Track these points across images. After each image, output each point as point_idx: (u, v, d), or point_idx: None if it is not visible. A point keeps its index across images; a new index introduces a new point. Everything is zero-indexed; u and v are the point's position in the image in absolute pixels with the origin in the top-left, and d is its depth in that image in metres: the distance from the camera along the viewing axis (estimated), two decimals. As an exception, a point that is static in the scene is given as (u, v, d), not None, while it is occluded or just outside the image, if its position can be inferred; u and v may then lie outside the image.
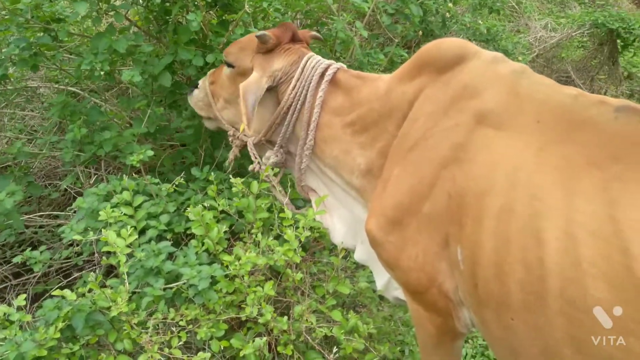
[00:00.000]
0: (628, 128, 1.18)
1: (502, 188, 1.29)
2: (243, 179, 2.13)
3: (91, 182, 2.83)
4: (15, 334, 1.68)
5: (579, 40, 6.48)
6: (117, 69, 2.81)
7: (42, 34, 2.32)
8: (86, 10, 2.13)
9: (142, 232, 2.19)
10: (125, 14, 2.47)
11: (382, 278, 1.87)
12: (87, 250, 2.33)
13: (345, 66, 1.93)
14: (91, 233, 1.97)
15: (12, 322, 1.74)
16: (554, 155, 1.25)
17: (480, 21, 4.50)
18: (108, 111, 2.85)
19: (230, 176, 2.16)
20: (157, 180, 2.38)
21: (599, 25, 5.66)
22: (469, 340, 2.77)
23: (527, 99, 1.37)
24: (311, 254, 2.55)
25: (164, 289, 1.92)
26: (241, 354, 1.84)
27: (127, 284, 1.86)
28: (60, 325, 1.70)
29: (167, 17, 2.52)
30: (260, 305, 1.90)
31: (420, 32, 3.83)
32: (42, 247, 2.19)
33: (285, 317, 1.93)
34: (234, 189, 2.13)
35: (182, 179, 2.33)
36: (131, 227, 1.99)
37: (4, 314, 1.74)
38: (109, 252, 1.89)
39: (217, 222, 2.16)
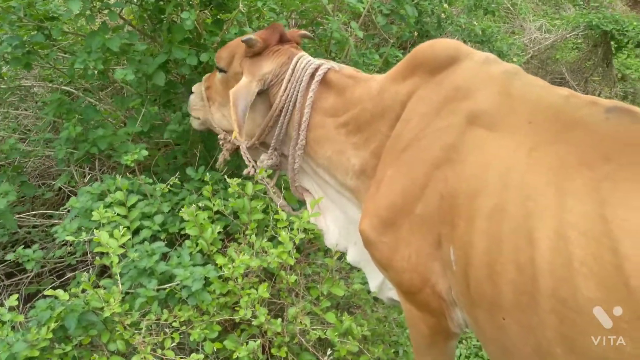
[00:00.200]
0: (619, 128, 1.19)
1: (494, 188, 1.29)
2: (239, 180, 2.12)
3: (85, 181, 2.82)
4: (7, 335, 1.68)
5: (574, 41, 6.51)
6: (111, 67, 2.80)
7: (35, 32, 2.30)
8: (80, 8, 2.11)
9: (136, 232, 2.18)
10: (119, 12, 2.46)
11: (375, 279, 1.88)
12: (81, 250, 2.31)
13: (336, 66, 1.92)
14: (84, 233, 1.96)
15: (4, 323, 1.73)
16: (546, 155, 1.25)
17: (475, 22, 4.51)
18: (103, 110, 2.84)
19: (226, 177, 2.15)
20: (151, 180, 2.37)
21: (593, 27, 5.69)
22: (463, 341, 2.78)
23: (519, 99, 1.38)
24: (305, 256, 2.55)
25: (158, 290, 1.92)
26: (235, 355, 1.84)
27: (120, 284, 1.85)
28: (53, 325, 1.69)
29: (162, 16, 2.52)
30: (254, 307, 1.90)
31: (416, 33, 3.83)
32: (35, 247, 2.18)
33: (279, 319, 1.93)
34: (229, 190, 2.12)
35: (176, 179, 2.32)
36: (124, 227, 1.98)
37: (-4, 314, 1.73)
38: (102, 253, 1.88)
39: (212, 222, 2.15)
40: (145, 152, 2.29)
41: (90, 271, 2.44)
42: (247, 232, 2.11)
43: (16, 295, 1.76)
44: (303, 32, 2.08)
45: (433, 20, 4.04)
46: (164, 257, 2.10)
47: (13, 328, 1.74)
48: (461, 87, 1.47)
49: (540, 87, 1.39)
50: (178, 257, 2.02)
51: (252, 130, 1.97)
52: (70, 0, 2.07)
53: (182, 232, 2.23)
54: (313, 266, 2.40)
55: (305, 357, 2.02)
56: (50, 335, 1.68)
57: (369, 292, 2.29)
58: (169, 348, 1.80)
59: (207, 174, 2.24)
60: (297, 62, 1.88)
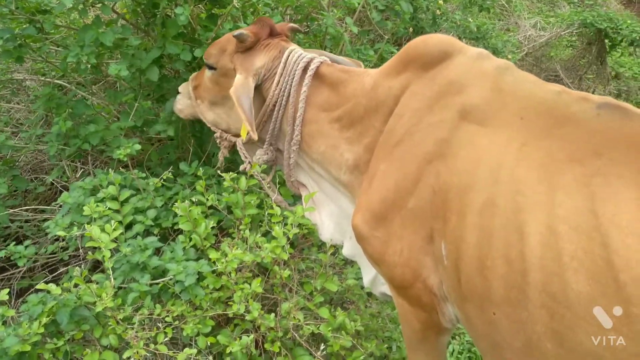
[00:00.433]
0: (610, 124, 1.20)
1: (485, 183, 1.30)
2: (233, 175, 2.11)
3: (77, 175, 2.80)
4: (-2, 330, 1.67)
5: (568, 39, 6.53)
6: (105, 62, 2.78)
7: (27, 25, 2.28)
8: (73, 2, 2.09)
9: (128, 227, 2.17)
10: (113, 6, 2.44)
11: (369, 273, 1.88)
12: (73, 245, 2.30)
13: (328, 59, 1.91)
14: (75, 228, 1.96)
15: (-5, 317, 1.72)
16: (537, 150, 1.26)
17: (470, 19, 4.51)
18: (95, 104, 2.82)
19: (219, 171, 2.15)
20: (144, 175, 2.36)
21: (588, 25, 5.71)
22: (456, 337, 2.79)
23: (510, 95, 1.38)
24: (299, 251, 2.55)
25: (150, 285, 1.91)
26: (228, 350, 1.84)
27: (113, 279, 1.85)
28: (45, 320, 1.69)
29: (155, 11, 2.50)
30: (248, 302, 1.90)
31: (411, 29, 3.84)
32: (27, 242, 2.17)
33: (273, 314, 1.93)
34: (223, 185, 2.12)
35: (170, 174, 2.31)
36: (116, 222, 1.98)
37: (-13, 309, 1.72)
38: (94, 247, 1.88)
39: (205, 217, 2.15)
40: (137, 147, 2.28)
41: (83, 266, 2.43)
42: (240, 227, 2.11)
43: (7, 290, 1.75)
44: (292, 25, 2.06)
45: (428, 17, 4.04)
46: (157, 251, 2.10)
47: (4, 323, 1.73)
48: (454, 82, 1.47)
49: (531, 83, 1.40)
50: (171, 251, 2.01)
51: None
52: (62, -6, 2.06)
53: (175, 227, 2.23)
54: (307, 261, 2.40)
55: (299, 352, 2.02)
56: (42, 330, 1.67)
57: (362, 287, 2.29)
58: (161, 343, 1.80)
59: (200, 168, 2.23)
60: (289, 55, 1.86)
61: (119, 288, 1.93)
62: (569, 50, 6.53)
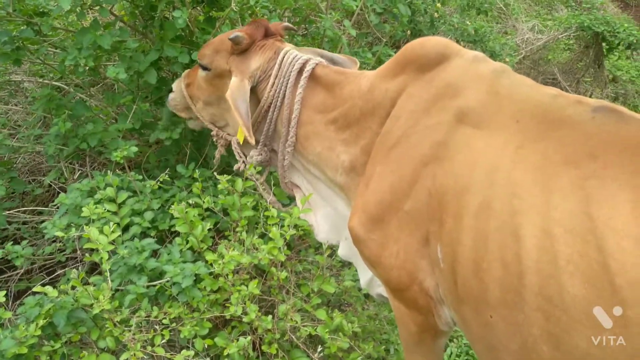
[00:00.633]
0: (605, 127, 1.20)
1: (481, 186, 1.30)
2: (229, 177, 2.12)
3: (75, 177, 2.80)
4: (-5, 332, 1.66)
5: (565, 42, 6.55)
6: (103, 64, 2.79)
7: (25, 27, 2.28)
8: (70, 4, 2.10)
9: (126, 229, 2.17)
10: (111, 8, 2.45)
11: (365, 275, 1.88)
12: (70, 247, 2.30)
13: (324, 60, 1.92)
14: (73, 229, 1.95)
15: (-9, 320, 1.72)
16: (533, 153, 1.26)
17: (468, 22, 4.53)
18: (93, 106, 2.82)
19: (215, 174, 2.15)
20: (141, 177, 2.36)
21: (585, 28, 5.73)
22: (454, 340, 2.79)
23: (507, 98, 1.39)
24: (296, 252, 2.55)
25: (148, 287, 1.91)
26: (225, 352, 1.84)
27: (110, 281, 1.85)
28: (42, 322, 1.68)
29: (153, 13, 2.50)
30: (245, 304, 1.90)
31: (409, 32, 3.85)
32: (24, 243, 2.17)
33: (270, 316, 1.93)
34: (219, 187, 2.12)
35: (167, 176, 2.31)
36: (114, 223, 1.98)
37: (-16, 311, 1.72)
38: (92, 249, 1.88)
39: (202, 219, 2.15)
40: (135, 149, 2.28)
41: (80, 268, 2.43)
42: (237, 229, 2.11)
43: (4, 292, 1.75)
44: (286, 24, 2.05)
45: (426, 20, 4.06)
46: (154, 254, 2.10)
47: (1, 325, 1.74)
48: (450, 85, 1.47)
49: (527, 86, 1.41)
50: (168, 254, 2.01)
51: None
52: (60, -4, 2.06)
53: (172, 229, 2.23)
54: (304, 263, 2.40)
55: (296, 354, 2.02)
56: (39, 332, 1.66)
57: (359, 289, 2.29)
58: (159, 345, 1.80)
59: (197, 171, 2.23)
60: (284, 56, 1.86)
61: (116, 290, 1.93)
62: (566, 54, 6.55)
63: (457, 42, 4.23)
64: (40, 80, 3.05)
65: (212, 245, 2.14)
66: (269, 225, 2.02)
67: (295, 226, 2.00)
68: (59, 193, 2.80)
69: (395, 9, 3.25)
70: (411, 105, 1.53)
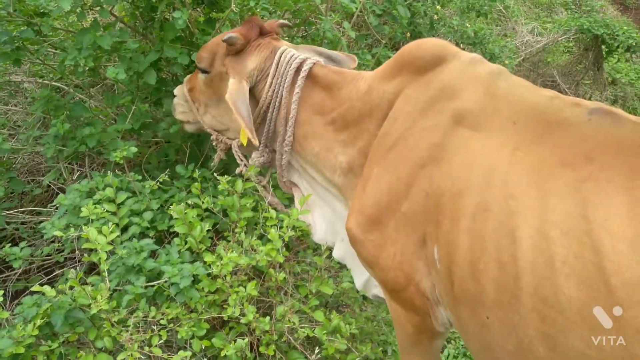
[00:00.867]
0: (601, 129, 1.21)
1: (478, 188, 1.31)
2: (229, 178, 2.12)
3: (74, 178, 2.80)
4: (-7, 331, 1.66)
5: (565, 45, 6.56)
6: (103, 64, 2.79)
7: (25, 27, 2.29)
8: (71, 4, 2.10)
9: (124, 229, 2.17)
10: (111, 9, 2.45)
11: (361, 276, 1.88)
12: (69, 247, 2.30)
13: (321, 59, 1.91)
14: (72, 229, 1.95)
15: (-11, 319, 1.72)
16: (529, 155, 1.27)
17: (467, 24, 4.53)
18: (93, 107, 2.83)
19: (216, 174, 2.15)
20: (140, 177, 2.36)
21: (585, 31, 5.74)
22: (452, 341, 2.79)
23: (503, 100, 1.39)
24: (295, 254, 2.55)
25: (146, 287, 1.91)
26: (222, 353, 1.84)
27: (108, 281, 1.85)
28: (39, 322, 1.68)
29: (154, 14, 2.51)
30: (243, 305, 1.90)
31: (408, 34, 3.85)
32: (23, 244, 2.17)
33: (268, 317, 1.93)
34: (219, 187, 2.12)
35: (166, 176, 2.32)
36: (113, 224, 1.98)
37: (-19, 311, 1.72)
38: (90, 249, 1.88)
39: (201, 220, 2.15)
40: (134, 149, 2.28)
41: (78, 268, 2.43)
42: (236, 230, 2.11)
43: (2, 292, 1.75)
44: (281, 21, 2.05)
45: (426, 22, 4.06)
46: (153, 254, 2.10)
47: (-1, 325, 1.74)
48: (448, 86, 1.48)
49: (524, 88, 1.41)
50: (166, 254, 2.01)
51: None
52: (61, -3, 2.06)
53: (171, 230, 2.23)
54: (302, 264, 2.40)
55: (294, 355, 2.03)
56: (36, 332, 1.67)
57: (357, 291, 2.29)
58: (156, 345, 1.80)
59: (197, 171, 2.24)
60: (281, 56, 1.85)
61: (114, 290, 1.93)
62: (565, 56, 6.56)
63: (457, 44, 4.24)
64: (40, 80, 3.06)
65: (210, 246, 2.14)
66: (268, 226, 2.02)
67: (294, 227, 2.00)
68: (57, 193, 2.81)
69: (394, 10, 3.26)
70: (408, 107, 1.53)
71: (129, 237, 2.12)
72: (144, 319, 1.87)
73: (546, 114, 1.30)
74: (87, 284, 1.89)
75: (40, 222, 2.61)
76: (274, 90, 1.84)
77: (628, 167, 1.12)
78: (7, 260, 2.12)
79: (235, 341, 1.86)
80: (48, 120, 2.88)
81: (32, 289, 1.72)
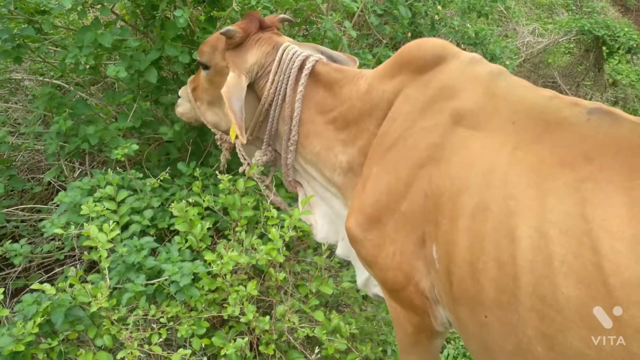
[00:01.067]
0: (600, 129, 1.21)
1: (477, 187, 1.31)
2: (230, 176, 2.12)
3: (75, 175, 2.80)
4: (-7, 329, 1.66)
5: (566, 46, 6.56)
6: (103, 62, 2.79)
7: (26, 25, 2.29)
8: (72, 2, 2.10)
9: (125, 227, 2.17)
10: (112, 7, 2.45)
11: (362, 274, 1.88)
12: (69, 245, 2.30)
13: (323, 56, 1.90)
14: (72, 227, 1.95)
15: (-11, 317, 1.72)
16: (529, 155, 1.27)
17: (468, 25, 4.53)
18: (94, 105, 2.83)
19: (217, 172, 2.15)
20: (141, 175, 2.36)
21: (585, 32, 5.74)
22: (451, 341, 2.79)
23: (503, 100, 1.39)
24: (295, 253, 2.55)
25: (146, 285, 1.91)
26: (222, 352, 1.84)
27: (108, 279, 1.85)
28: (39, 320, 1.68)
29: (155, 12, 2.51)
30: (243, 304, 1.90)
31: (409, 34, 3.85)
32: (23, 241, 2.17)
33: (268, 317, 1.93)
34: (220, 186, 2.12)
35: (167, 174, 2.32)
36: (114, 222, 1.98)
37: (-19, 308, 1.72)
38: (90, 247, 1.88)
39: (202, 218, 2.15)
40: (135, 147, 2.28)
41: (78, 266, 2.43)
42: (237, 228, 2.11)
43: (2, 290, 1.75)
44: (282, 16, 2.03)
45: (427, 22, 4.06)
46: (153, 252, 2.10)
47: (-1, 322, 1.74)
48: (447, 86, 1.48)
49: (524, 87, 1.41)
50: (167, 252, 2.01)
51: (244, 126, 1.95)
52: (62, -5, 2.06)
53: (172, 228, 2.23)
54: (302, 264, 2.40)
55: (293, 355, 2.03)
56: (36, 330, 1.67)
57: (357, 290, 2.29)
58: (156, 344, 1.80)
59: (198, 169, 2.24)
60: (284, 52, 1.83)
61: (114, 288, 1.93)
62: (566, 57, 6.56)
63: (458, 44, 4.24)
64: (41, 78, 3.06)
65: (211, 245, 2.14)
66: (269, 225, 2.02)
67: (295, 227, 2.00)
68: (58, 191, 2.81)
69: (395, 10, 3.26)
70: (408, 107, 1.53)
71: (130, 235, 2.12)
72: (144, 317, 1.87)
73: (545, 114, 1.30)
74: (87, 282, 1.89)
75: (41, 219, 2.61)
76: (277, 87, 1.83)
77: (627, 167, 1.12)
78: (7, 257, 2.12)
79: (235, 340, 1.87)
80: (48, 118, 2.88)
81: (32, 286, 1.72)
